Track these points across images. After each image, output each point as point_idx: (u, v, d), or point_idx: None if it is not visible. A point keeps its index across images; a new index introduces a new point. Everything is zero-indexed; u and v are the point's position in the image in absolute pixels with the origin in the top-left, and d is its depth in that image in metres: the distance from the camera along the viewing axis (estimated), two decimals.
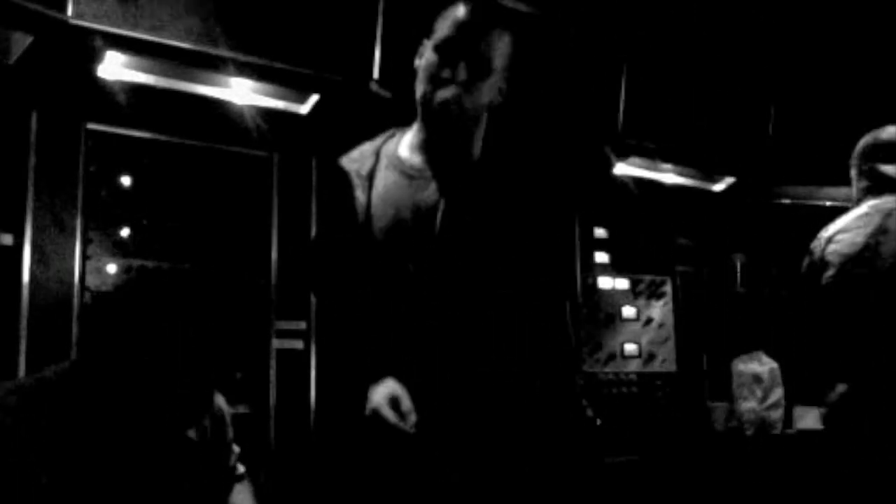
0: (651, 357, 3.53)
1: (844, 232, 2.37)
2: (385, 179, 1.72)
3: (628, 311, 3.53)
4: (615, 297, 3.51)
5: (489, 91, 1.70)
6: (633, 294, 3.56)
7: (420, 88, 1.70)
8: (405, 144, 1.77)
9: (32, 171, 2.26)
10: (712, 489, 3.22)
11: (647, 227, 3.64)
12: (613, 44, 3.28)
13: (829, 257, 2.35)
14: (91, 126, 2.37)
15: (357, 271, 1.71)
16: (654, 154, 3.41)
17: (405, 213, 1.68)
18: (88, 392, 1.41)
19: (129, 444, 1.43)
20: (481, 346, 1.65)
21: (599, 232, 3.51)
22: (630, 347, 3.49)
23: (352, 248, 1.71)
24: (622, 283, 3.53)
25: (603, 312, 3.46)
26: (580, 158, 3.00)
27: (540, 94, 2.93)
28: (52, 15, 2.05)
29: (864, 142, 2.58)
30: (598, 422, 3.13)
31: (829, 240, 2.38)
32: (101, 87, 2.32)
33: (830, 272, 2.35)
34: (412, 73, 1.76)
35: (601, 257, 3.50)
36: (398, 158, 1.75)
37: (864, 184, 2.49)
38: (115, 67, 2.29)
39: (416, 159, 1.74)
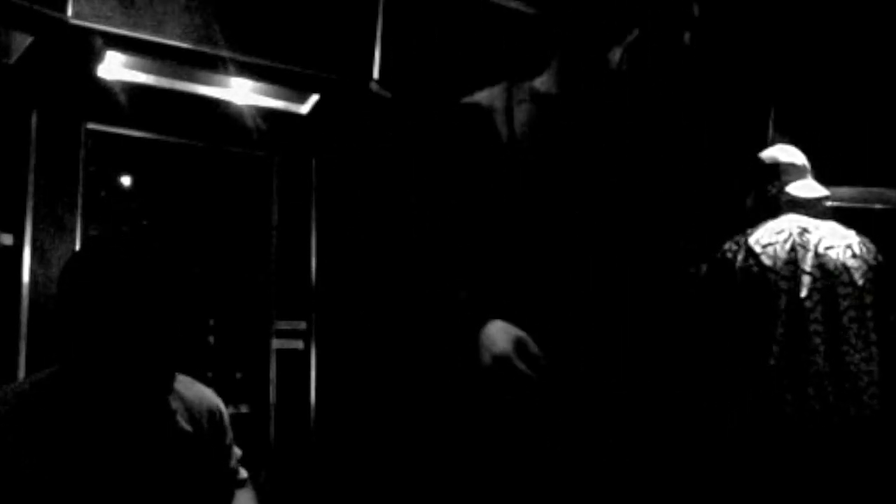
0: None
1: (770, 245, 2.40)
2: (526, 112, 1.63)
3: None
4: None
5: None
6: None
7: None
8: (540, 82, 1.68)
9: (32, 171, 2.26)
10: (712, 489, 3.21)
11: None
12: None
13: (753, 269, 2.38)
14: (91, 126, 2.37)
15: (494, 203, 1.56)
16: None
17: (552, 142, 1.58)
18: (77, 386, 1.42)
19: (121, 434, 1.43)
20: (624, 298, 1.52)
21: None
22: None
23: (494, 179, 1.57)
24: None
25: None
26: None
27: None
28: (52, 15, 2.05)
29: (769, 160, 2.61)
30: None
31: (753, 251, 2.41)
32: (101, 87, 2.32)
33: (755, 280, 2.37)
34: (412, 73, 1.76)
35: None
36: (535, 91, 1.66)
37: (774, 201, 2.54)
38: (115, 67, 2.29)
39: (560, 91, 1.65)
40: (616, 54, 1.65)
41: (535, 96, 1.64)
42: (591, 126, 1.59)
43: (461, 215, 1.58)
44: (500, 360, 1.37)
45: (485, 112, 1.62)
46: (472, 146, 1.61)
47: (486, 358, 1.39)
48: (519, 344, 1.38)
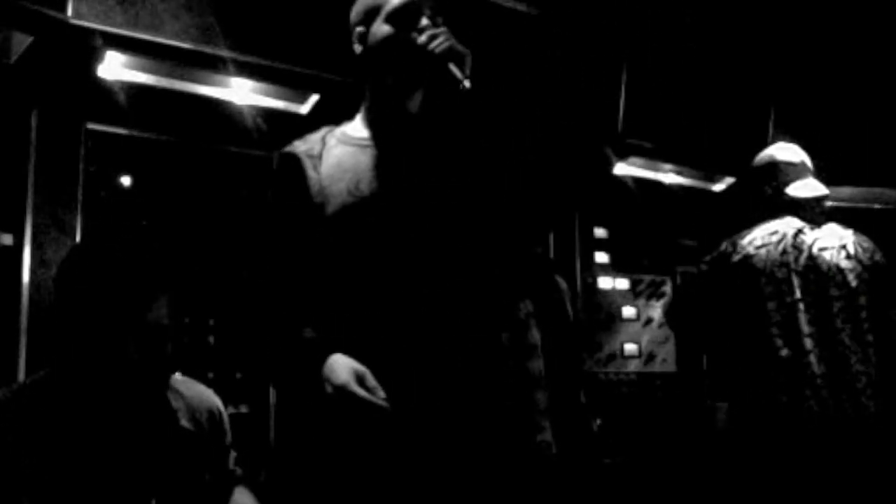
0: (651, 357, 3.53)
1: (763, 246, 2.39)
2: (336, 155, 1.73)
3: (628, 312, 3.53)
4: (615, 297, 3.51)
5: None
6: (633, 294, 3.56)
7: (400, 50, 1.71)
8: (353, 125, 1.80)
9: (32, 171, 2.26)
10: (710, 491, 3.22)
11: (647, 227, 3.64)
12: (614, 43, 3.28)
13: (747, 270, 2.37)
14: (91, 126, 2.37)
15: (313, 246, 1.66)
16: (653, 154, 3.41)
17: (362, 180, 1.67)
18: (75, 385, 1.42)
19: (121, 433, 1.43)
20: (449, 313, 1.58)
21: (599, 232, 3.51)
22: (630, 347, 3.49)
23: (309, 225, 1.66)
24: (622, 283, 3.54)
25: (603, 312, 3.46)
26: (573, 154, 3.00)
27: (532, 88, 2.93)
28: (52, 15, 2.05)
29: (765, 160, 2.60)
30: (598, 422, 3.13)
31: (747, 252, 2.40)
32: (101, 87, 2.32)
33: (748, 282, 2.37)
34: None
35: (601, 257, 3.50)
36: (348, 135, 1.77)
37: (772, 201, 2.53)
38: (115, 67, 2.29)
39: (367, 132, 1.76)
40: (417, 98, 1.76)
41: (347, 141, 1.75)
42: (399, 164, 1.68)
43: (285, 256, 1.68)
44: (340, 389, 1.46)
45: (297, 159, 1.72)
46: (287, 192, 1.71)
47: (329, 389, 1.48)
48: (356, 374, 1.47)
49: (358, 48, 1.80)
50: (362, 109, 1.82)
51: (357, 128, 1.79)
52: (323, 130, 1.82)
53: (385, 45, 1.73)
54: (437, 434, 1.54)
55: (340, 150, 1.74)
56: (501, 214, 1.67)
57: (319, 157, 1.73)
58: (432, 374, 1.56)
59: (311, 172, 1.70)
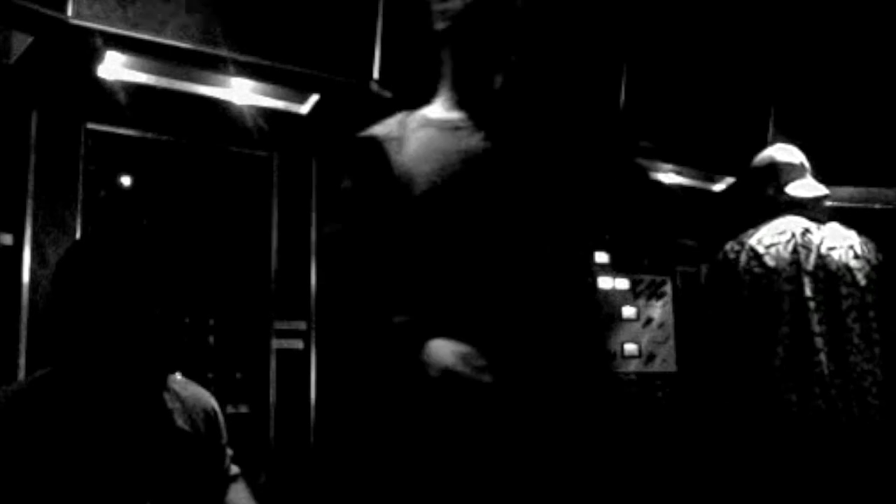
0: (651, 357, 3.53)
1: (772, 245, 2.39)
2: (420, 138, 1.67)
3: (628, 311, 3.53)
4: (615, 297, 3.51)
5: None
6: (633, 294, 3.56)
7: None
8: (434, 108, 1.74)
9: (32, 171, 2.26)
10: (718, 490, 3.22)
11: (647, 228, 3.64)
12: (614, 43, 3.28)
13: (756, 269, 2.37)
14: (91, 126, 2.37)
15: (399, 230, 1.60)
16: (653, 154, 3.41)
17: (449, 163, 1.62)
18: (73, 384, 1.42)
19: (119, 433, 1.43)
20: (541, 298, 1.56)
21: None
22: (630, 347, 3.49)
23: (395, 208, 1.61)
24: (622, 283, 3.54)
25: (603, 312, 3.46)
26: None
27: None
28: (52, 15, 2.05)
29: (765, 161, 2.61)
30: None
31: (756, 252, 2.40)
32: (101, 87, 2.32)
33: (759, 282, 2.36)
34: (412, 73, 1.77)
35: (601, 257, 3.50)
36: (430, 118, 1.71)
37: (772, 202, 2.53)
38: (115, 67, 2.29)
39: (455, 115, 1.70)
40: (498, 79, 1.71)
41: (430, 124, 1.69)
42: (487, 146, 1.65)
43: (375, 242, 1.63)
44: (446, 373, 1.41)
45: (378, 143, 1.67)
46: (369, 178, 1.66)
47: (432, 373, 1.42)
48: (462, 356, 1.42)
49: (441, 25, 1.72)
50: (443, 91, 1.75)
51: (439, 110, 1.73)
52: (399, 115, 1.75)
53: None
54: (541, 413, 1.51)
55: (424, 133, 1.67)
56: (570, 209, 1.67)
57: (401, 140, 1.67)
58: (531, 354, 1.52)
59: (394, 156, 1.64)
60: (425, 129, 1.68)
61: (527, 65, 1.66)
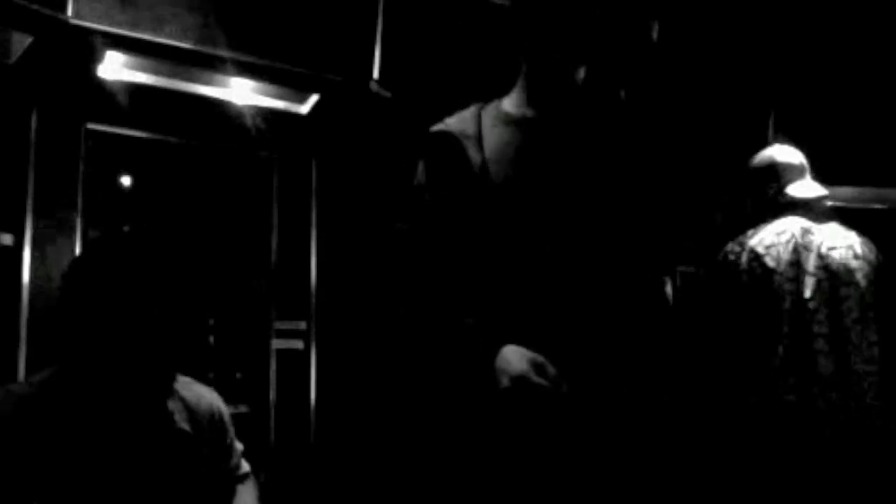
0: None
1: (773, 246, 2.40)
2: (498, 134, 1.62)
3: None
4: None
5: None
6: None
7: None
8: (510, 102, 1.68)
9: (32, 171, 2.26)
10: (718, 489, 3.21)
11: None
12: (613, 44, 3.28)
13: (757, 270, 2.38)
14: (91, 126, 2.37)
15: (474, 229, 1.57)
16: None
17: (526, 162, 1.57)
18: (78, 386, 1.42)
19: (120, 435, 1.43)
20: (612, 301, 1.53)
21: None
22: None
23: (470, 207, 1.57)
24: None
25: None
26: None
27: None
28: (52, 15, 2.05)
29: (764, 162, 2.61)
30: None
31: (756, 252, 2.41)
32: (101, 87, 2.32)
33: (760, 282, 2.37)
34: (412, 73, 1.76)
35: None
36: (507, 113, 1.66)
37: (773, 202, 2.53)
38: (115, 67, 2.29)
39: (527, 111, 1.65)
40: (581, 73, 1.65)
41: (508, 120, 1.64)
42: (569, 145, 1.59)
43: (449, 244, 1.59)
44: (519, 380, 1.40)
45: (455, 139, 1.62)
46: (445, 174, 1.61)
47: (505, 381, 1.41)
48: (535, 364, 1.41)
49: (516, 13, 1.64)
50: (519, 86, 1.68)
51: (516, 105, 1.67)
52: (473, 108, 1.69)
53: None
54: (610, 421, 1.50)
55: (501, 130, 1.62)
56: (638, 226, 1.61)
57: (478, 137, 1.62)
58: (601, 362, 1.50)
59: (471, 153, 1.60)
60: (502, 127, 1.63)
61: (621, 58, 1.61)
